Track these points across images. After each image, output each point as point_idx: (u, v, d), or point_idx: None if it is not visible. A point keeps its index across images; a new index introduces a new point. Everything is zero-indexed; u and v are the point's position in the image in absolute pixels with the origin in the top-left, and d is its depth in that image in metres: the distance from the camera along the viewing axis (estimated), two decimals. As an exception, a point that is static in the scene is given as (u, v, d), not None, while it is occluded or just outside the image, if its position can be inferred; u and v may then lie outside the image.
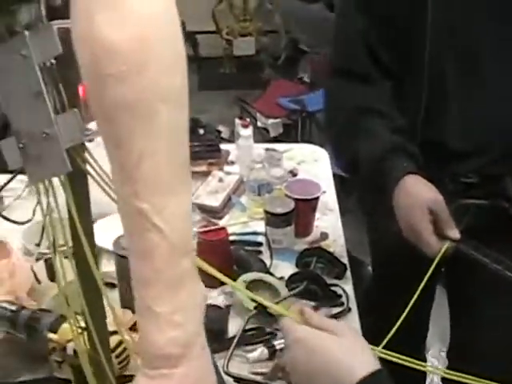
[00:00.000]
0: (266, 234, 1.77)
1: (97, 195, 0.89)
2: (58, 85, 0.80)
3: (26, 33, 0.76)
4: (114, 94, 0.70)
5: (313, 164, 2.26)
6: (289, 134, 4.27)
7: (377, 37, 1.54)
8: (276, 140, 3.95)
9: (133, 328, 1.42)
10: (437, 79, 1.51)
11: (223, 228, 1.70)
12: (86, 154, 0.84)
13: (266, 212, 1.77)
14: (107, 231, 1.46)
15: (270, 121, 4.26)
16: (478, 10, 1.45)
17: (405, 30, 1.50)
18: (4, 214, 1.69)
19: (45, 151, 0.80)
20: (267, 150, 2.13)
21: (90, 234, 0.93)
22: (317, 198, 1.84)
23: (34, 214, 0.81)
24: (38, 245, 0.90)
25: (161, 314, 0.77)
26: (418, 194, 1.46)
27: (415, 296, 1.38)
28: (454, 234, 1.44)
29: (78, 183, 0.88)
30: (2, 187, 1.66)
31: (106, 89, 0.70)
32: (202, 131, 2.24)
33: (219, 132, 3.93)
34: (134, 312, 1.42)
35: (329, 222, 1.93)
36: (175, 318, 0.77)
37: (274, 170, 2.02)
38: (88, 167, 0.85)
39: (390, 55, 1.55)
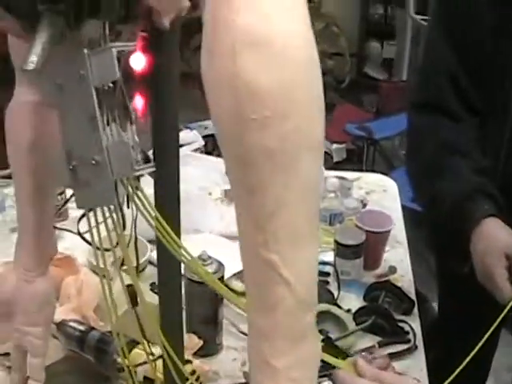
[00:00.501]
0: (334, 265, 1.75)
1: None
2: (113, 111, 0.78)
3: (86, 51, 0.75)
4: (255, 139, 0.66)
5: (382, 194, 2.24)
6: (351, 160, 4.25)
7: (464, 74, 1.52)
8: (338, 166, 3.93)
9: (197, 353, 1.41)
10: None
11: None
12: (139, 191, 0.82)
13: (337, 243, 1.74)
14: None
15: (335, 146, 4.24)
16: None
17: (493, 69, 1.48)
18: (69, 227, 1.70)
19: (94, 178, 0.78)
20: (337, 178, 2.11)
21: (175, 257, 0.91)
22: (388, 231, 1.81)
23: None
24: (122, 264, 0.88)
25: (279, 368, 0.74)
26: (496, 238, 1.44)
27: (482, 342, 1.34)
28: None
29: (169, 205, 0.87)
30: (65, 202, 1.67)
31: (247, 133, 0.66)
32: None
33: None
34: (199, 337, 1.42)
35: (397, 256, 1.89)
36: (293, 373, 0.74)
37: (347, 200, 1.99)
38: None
39: (477, 93, 1.53)
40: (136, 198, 0.81)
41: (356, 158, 4.22)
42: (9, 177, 2.27)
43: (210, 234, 1.86)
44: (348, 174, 2.27)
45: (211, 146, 3.65)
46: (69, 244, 1.75)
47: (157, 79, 0.81)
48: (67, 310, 1.43)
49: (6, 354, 1.37)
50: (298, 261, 0.71)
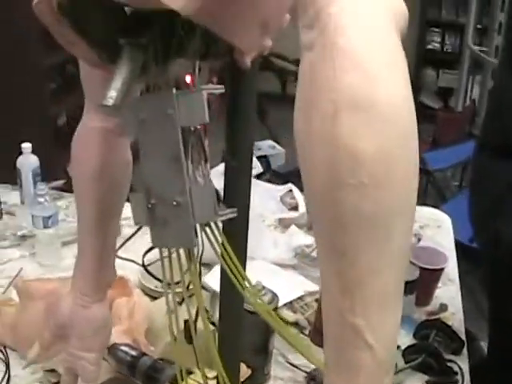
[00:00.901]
0: (387, 301, 1.73)
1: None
2: (199, 153, 0.76)
3: (174, 92, 0.73)
4: (351, 203, 0.63)
5: (436, 230, 2.21)
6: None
7: None
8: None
9: (245, 382, 1.40)
10: None
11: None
12: (218, 236, 0.79)
13: (391, 278, 1.72)
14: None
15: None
16: None
17: None
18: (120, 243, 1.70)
19: (173, 219, 0.76)
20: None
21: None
22: (442, 269, 1.79)
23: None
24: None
25: None
26: None
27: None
28: None
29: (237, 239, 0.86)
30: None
31: (341, 197, 0.63)
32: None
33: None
34: (248, 366, 1.41)
35: (449, 293, 1.87)
36: None
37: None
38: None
39: None
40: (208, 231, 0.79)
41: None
42: (62, 189, 2.28)
43: (263, 262, 1.85)
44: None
45: (264, 168, 3.65)
46: (119, 262, 1.75)
47: (234, 116, 0.80)
48: (118, 333, 1.41)
49: (52, 371, 1.38)
50: (383, 325, 0.69)
